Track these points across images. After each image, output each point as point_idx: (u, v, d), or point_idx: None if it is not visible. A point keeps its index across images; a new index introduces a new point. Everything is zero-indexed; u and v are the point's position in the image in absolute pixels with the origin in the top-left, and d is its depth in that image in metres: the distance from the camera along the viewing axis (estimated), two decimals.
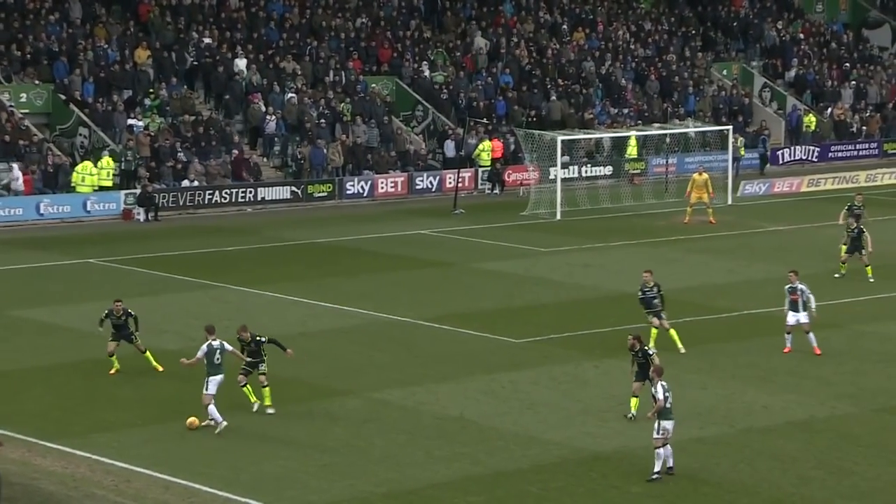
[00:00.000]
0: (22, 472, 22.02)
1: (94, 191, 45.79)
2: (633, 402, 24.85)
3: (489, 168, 51.79)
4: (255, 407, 24.94)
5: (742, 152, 55.38)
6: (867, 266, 35.82)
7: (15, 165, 44.96)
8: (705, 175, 44.96)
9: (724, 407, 25.94)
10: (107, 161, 46.33)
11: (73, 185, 45.80)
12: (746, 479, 22.31)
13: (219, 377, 24.13)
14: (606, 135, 53.44)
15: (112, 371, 27.15)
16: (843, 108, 61.38)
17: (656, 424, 22.12)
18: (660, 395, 22.19)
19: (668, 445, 22.16)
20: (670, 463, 22.28)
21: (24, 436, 23.64)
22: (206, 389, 24.05)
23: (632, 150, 54.38)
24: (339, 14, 56.90)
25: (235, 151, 49.33)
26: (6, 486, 20.97)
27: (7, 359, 28.43)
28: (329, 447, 23.52)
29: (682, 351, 28.98)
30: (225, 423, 23.82)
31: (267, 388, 24.85)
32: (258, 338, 24.82)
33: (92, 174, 45.86)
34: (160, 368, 27.12)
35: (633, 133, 53.16)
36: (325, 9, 56.89)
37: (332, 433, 24.22)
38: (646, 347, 24.92)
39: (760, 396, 26.67)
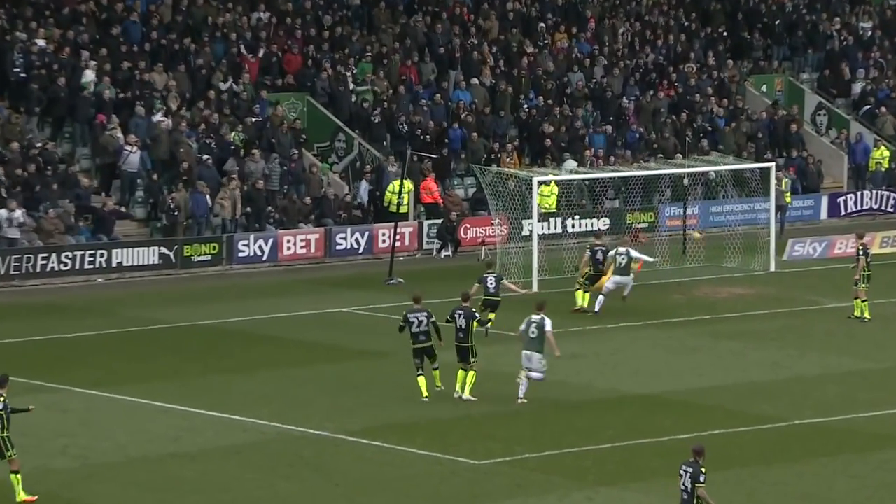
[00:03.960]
0: None
1: None
2: None
3: (399, 217, 49.86)
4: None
5: (788, 199, 55.47)
6: None
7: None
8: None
9: None
10: None
11: None
12: None
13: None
14: (599, 175, 53.47)
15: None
16: None
17: None
18: None
19: None
20: None
21: None
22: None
23: (547, 200, 52.57)
24: (228, 7, 57.10)
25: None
26: None
27: None
28: None
29: None
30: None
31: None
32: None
33: None
34: None
35: (551, 178, 50.94)
36: (208, 0, 57.04)
37: None
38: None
39: None
